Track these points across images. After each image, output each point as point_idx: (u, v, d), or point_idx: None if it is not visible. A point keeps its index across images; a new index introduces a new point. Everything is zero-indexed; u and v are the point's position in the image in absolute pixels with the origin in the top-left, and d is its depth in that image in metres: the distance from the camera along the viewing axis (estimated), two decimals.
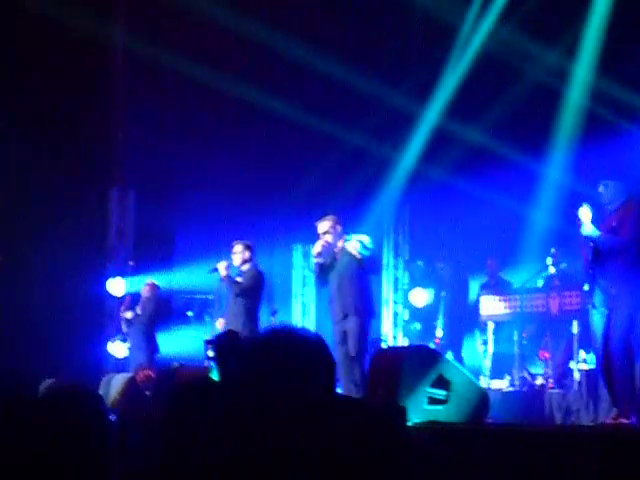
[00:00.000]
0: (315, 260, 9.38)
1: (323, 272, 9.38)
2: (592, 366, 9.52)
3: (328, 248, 9.33)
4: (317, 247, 9.32)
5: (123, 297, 12.91)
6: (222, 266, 10.30)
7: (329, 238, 9.31)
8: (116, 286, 13.19)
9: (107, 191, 13.44)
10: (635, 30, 11.14)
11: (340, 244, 9.32)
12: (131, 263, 13.13)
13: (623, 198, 7.45)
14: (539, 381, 10.24)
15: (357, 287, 9.18)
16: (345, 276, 9.20)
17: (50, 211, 12.26)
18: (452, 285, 12.43)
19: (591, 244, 7.38)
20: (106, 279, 13.15)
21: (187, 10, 11.72)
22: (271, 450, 2.15)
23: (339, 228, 9.39)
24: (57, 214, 12.33)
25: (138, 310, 12.24)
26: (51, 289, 12.27)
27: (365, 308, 9.22)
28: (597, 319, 7.30)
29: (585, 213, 7.34)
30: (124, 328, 12.47)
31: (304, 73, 12.21)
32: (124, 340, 12.54)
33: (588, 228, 7.32)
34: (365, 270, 9.27)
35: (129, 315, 12.24)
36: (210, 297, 12.71)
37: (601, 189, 7.54)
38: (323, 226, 9.39)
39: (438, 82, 12.84)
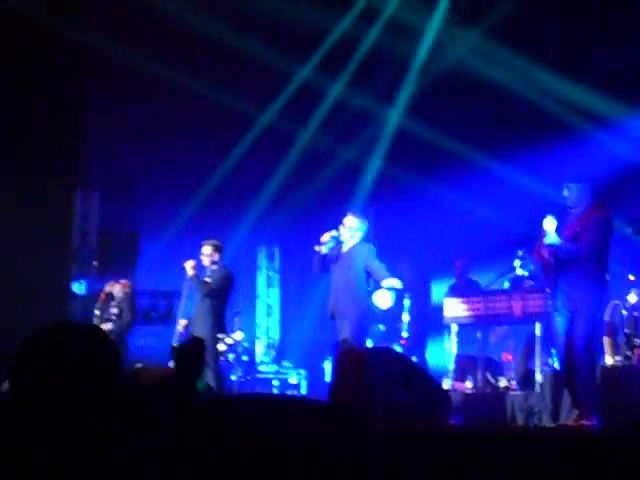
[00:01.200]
0: (318, 248, 9.37)
1: (323, 261, 9.42)
2: (554, 368, 9.60)
3: (337, 242, 9.38)
4: (326, 236, 9.35)
5: (90, 297, 12.82)
6: (189, 265, 10.26)
7: (344, 234, 9.36)
8: (80, 287, 13.13)
9: (71, 192, 13.35)
10: (596, 33, 11.24)
11: (350, 243, 9.37)
12: (95, 264, 13.06)
13: (587, 202, 7.52)
14: (502, 383, 10.30)
15: (355, 289, 9.24)
16: (350, 278, 9.24)
17: (13, 211, 12.16)
18: (414, 287, 12.47)
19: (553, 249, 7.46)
20: (70, 280, 13.08)
21: (152, 9, 11.68)
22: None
23: (359, 234, 9.45)
24: (20, 214, 12.23)
25: (114, 311, 12.13)
26: (14, 289, 12.17)
27: (364, 313, 9.30)
28: (559, 321, 7.37)
29: (549, 224, 7.41)
30: (98, 324, 12.34)
31: (272, 74, 12.20)
32: None
33: (552, 237, 7.39)
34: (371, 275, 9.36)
35: (115, 312, 12.09)
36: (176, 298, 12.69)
37: (565, 192, 7.60)
38: (350, 221, 9.45)
39: (402, 82, 12.88)
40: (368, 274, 9.36)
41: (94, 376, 2.36)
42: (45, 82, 11.92)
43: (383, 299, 9.77)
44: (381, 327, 13.56)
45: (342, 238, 9.40)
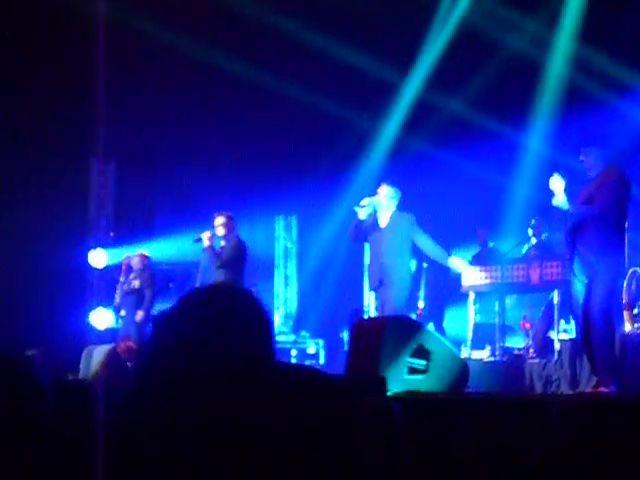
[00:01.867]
0: (357, 209, 9.43)
1: (359, 228, 9.48)
2: (572, 336, 9.57)
3: (374, 209, 9.44)
4: (365, 200, 9.42)
5: (116, 266, 12.85)
6: (206, 236, 10.27)
7: (382, 201, 9.43)
8: (97, 257, 13.15)
9: (88, 162, 13.37)
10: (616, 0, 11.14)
11: (388, 212, 9.42)
12: (112, 234, 13.09)
13: (603, 165, 7.44)
14: (518, 351, 10.30)
15: (399, 257, 9.30)
16: (396, 245, 9.30)
17: (30, 181, 12.19)
18: None
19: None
20: (87, 250, 13.11)
21: None
22: (202, 420, 2.11)
23: (394, 202, 9.50)
24: (38, 184, 12.26)
25: (135, 283, 12.16)
26: (32, 260, 12.22)
27: (410, 281, 9.37)
28: (578, 288, 7.30)
29: (556, 183, 7.31)
30: (118, 299, 12.35)
31: (287, 45, 12.13)
32: (117, 310, 12.42)
33: (560, 198, 7.30)
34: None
35: (137, 284, 12.12)
36: (191, 269, 12.72)
37: (582, 157, 7.52)
38: (385, 190, 9.50)
39: (420, 52, 12.80)
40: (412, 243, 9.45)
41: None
42: (60, 50, 11.89)
43: (460, 265, 9.89)
44: None
45: (378, 206, 9.45)
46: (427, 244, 9.49)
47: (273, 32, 11.92)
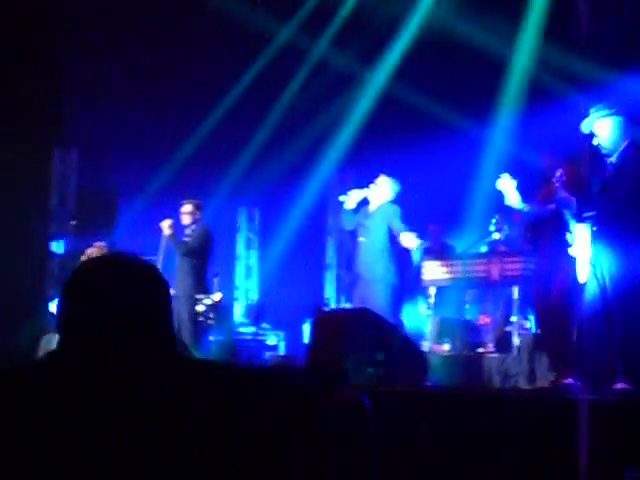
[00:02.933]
0: (343, 198, 9.47)
1: (351, 216, 9.51)
2: (534, 330, 9.66)
3: (364, 202, 9.49)
4: (359, 192, 9.45)
5: (68, 256, 12.77)
6: (166, 225, 10.21)
7: (373, 192, 9.45)
8: (58, 246, 13.06)
9: (49, 150, 13.25)
10: None
11: (377, 203, 9.42)
12: (73, 223, 12.98)
13: (623, 140, 6.90)
14: (477, 346, 10.38)
15: (387, 250, 9.31)
16: (377, 239, 9.32)
17: None
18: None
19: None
20: (48, 239, 13.01)
21: None
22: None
23: (390, 195, 9.53)
24: None
25: None
26: None
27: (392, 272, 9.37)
28: (539, 283, 7.30)
29: (504, 183, 7.26)
30: None
31: (254, 33, 12.10)
32: None
33: (511, 199, 7.27)
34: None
35: None
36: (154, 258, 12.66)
37: (545, 155, 7.46)
38: (382, 180, 9.52)
39: (385, 46, 12.81)
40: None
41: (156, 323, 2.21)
42: (22, 35, 11.76)
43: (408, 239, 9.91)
44: None
45: (370, 197, 9.51)
46: (398, 231, 9.54)
47: (241, 22, 11.88)
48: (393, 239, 9.57)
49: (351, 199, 9.51)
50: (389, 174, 9.82)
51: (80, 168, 13.42)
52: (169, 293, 2.29)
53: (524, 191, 7.21)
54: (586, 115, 6.93)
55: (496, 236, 10.88)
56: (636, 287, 6.50)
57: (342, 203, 9.59)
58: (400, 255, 10.45)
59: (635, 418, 4.89)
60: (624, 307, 6.54)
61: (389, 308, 9.18)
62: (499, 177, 7.24)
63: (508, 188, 7.18)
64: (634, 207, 6.53)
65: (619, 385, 6.49)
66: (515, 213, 7.57)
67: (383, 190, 9.66)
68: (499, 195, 7.46)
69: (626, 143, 6.75)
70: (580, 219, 6.91)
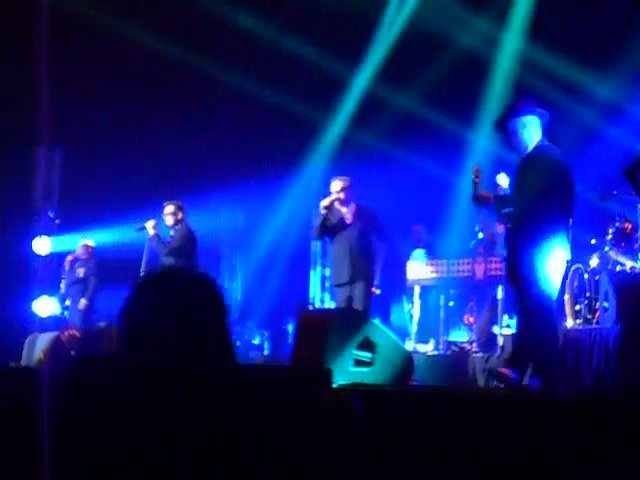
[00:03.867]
0: (322, 211, 9.43)
1: (324, 228, 9.46)
2: (515, 330, 9.69)
3: (334, 208, 9.43)
4: (326, 201, 9.40)
5: (61, 255, 12.75)
6: (150, 225, 10.22)
7: (339, 197, 9.40)
8: (41, 245, 13.01)
9: (33, 148, 13.19)
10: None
11: (348, 208, 9.39)
12: (57, 222, 12.95)
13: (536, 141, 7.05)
14: (462, 345, 10.41)
15: (368, 252, 9.28)
16: (357, 240, 9.29)
17: None
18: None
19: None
20: (32, 238, 12.97)
21: None
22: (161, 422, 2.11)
23: (350, 193, 9.49)
24: None
25: (79, 271, 12.08)
26: None
27: (373, 275, 9.34)
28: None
29: (503, 178, 7.29)
30: (63, 288, 12.29)
31: (238, 36, 12.11)
32: (63, 300, 12.35)
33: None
34: (377, 237, 9.39)
35: (81, 273, 12.04)
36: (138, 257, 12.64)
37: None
38: (337, 185, 9.47)
39: (370, 47, 12.84)
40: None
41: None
42: (5, 35, 11.72)
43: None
44: None
45: (337, 204, 9.46)
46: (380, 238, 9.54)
47: (223, 23, 11.88)
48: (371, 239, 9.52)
49: (323, 207, 9.49)
50: (338, 176, 9.77)
51: (64, 167, 13.37)
52: (224, 307, 2.33)
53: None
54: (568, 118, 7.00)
55: (480, 236, 10.91)
56: (542, 284, 6.58)
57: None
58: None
59: (601, 416, 4.92)
60: (529, 304, 6.63)
61: (367, 309, 9.17)
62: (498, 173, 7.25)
63: (504, 183, 7.20)
64: (542, 205, 6.59)
65: (530, 381, 6.56)
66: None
67: (343, 191, 9.58)
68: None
69: (536, 142, 6.83)
70: (497, 218, 6.97)
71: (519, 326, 6.97)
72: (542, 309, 6.60)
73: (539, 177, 6.65)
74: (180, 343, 2.17)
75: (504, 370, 6.85)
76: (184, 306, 2.22)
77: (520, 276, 6.68)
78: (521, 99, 7.21)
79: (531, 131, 6.85)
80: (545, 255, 6.57)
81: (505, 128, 6.89)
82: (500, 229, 9.53)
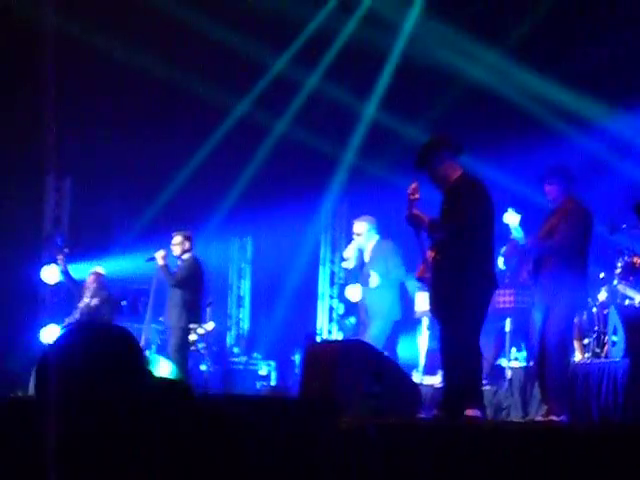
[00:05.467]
0: (344, 265, 9.63)
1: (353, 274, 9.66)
2: (523, 364, 9.66)
3: (359, 252, 9.56)
4: (349, 251, 9.54)
5: (60, 284, 12.76)
6: (159, 255, 10.26)
7: (361, 241, 9.52)
8: (50, 273, 13.02)
9: (43, 178, 13.27)
10: (574, 31, 11.28)
11: (370, 245, 9.49)
12: (66, 250, 12.96)
13: (564, 196, 7.43)
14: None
15: (385, 287, 9.39)
16: (375, 274, 9.40)
17: None
18: None
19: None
20: (40, 266, 12.99)
21: None
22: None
23: (373, 233, 9.60)
24: None
25: (93, 301, 12.07)
26: None
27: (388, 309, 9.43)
28: (536, 317, 7.31)
29: (511, 217, 7.31)
30: (77, 317, 12.22)
31: (248, 65, 12.16)
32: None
33: (517, 232, 7.32)
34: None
35: (95, 302, 12.04)
36: (145, 287, 12.64)
37: (546, 188, 7.51)
38: (358, 227, 9.62)
39: (378, 78, 12.88)
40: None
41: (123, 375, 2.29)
42: (14, 67, 11.81)
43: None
44: (352, 320, 13.61)
45: (362, 246, 9.59)
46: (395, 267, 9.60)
47: (235, 54, 11.92)
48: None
49: (348, 260, 9.66)
50: (360, 216, 9.90)
51: (74, 196, 13.44)
52: (139, 357, 2.37)
53: (526, 226, 7.27)
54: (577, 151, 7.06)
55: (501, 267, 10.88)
56: (457, 311, 6.64)
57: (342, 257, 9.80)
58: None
59: (609, 450, 4.91)
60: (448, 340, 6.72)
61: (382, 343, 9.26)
62: (505, 211, 7.26)
63: (513, 222, 7.22)
64: (460, 238, 6.62)
65: (469, 412, 6.56)
66: (512, 246, 7.60)
67: (366, 233, 9.71)
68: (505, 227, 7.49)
69: (458, 174, 6.85)
70: (430, 246, 7.02)
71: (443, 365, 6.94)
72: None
73: (462, 204, 6.65)
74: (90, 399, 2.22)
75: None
76: (101, 359, 2.29)
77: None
78: (439, 135, 7.27)
79: (452, 164, 6.86)
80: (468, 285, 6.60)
81: (427, 164, 6.91)
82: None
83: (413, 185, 7.02)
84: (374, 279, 9.58)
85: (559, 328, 7.10)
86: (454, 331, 6.66)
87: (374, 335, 9.29)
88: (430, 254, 6.97)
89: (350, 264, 9.70)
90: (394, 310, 9.67)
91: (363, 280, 9.72)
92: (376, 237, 9.75)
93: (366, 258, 9.66)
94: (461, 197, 6.66)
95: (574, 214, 7.26)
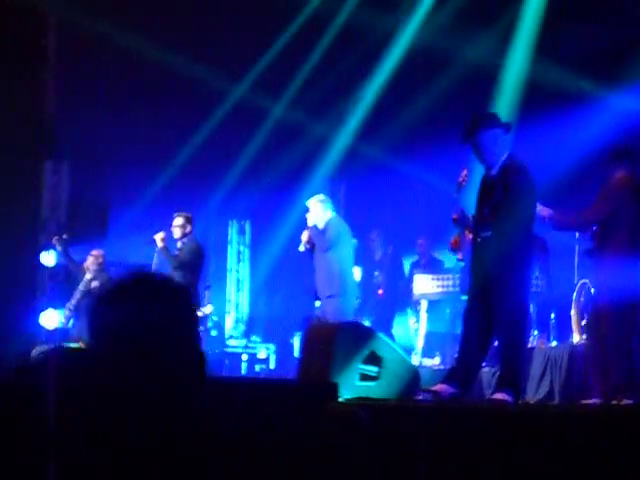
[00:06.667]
0: (302, 249, 9.56)
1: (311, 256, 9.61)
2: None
3: (313, 230, 9.51)
4: (304, 235, 9.51)
5: (58, 268, 12.75)
6: (159, 237, 10.24)
7: (315, 219, 9.48)
8: (48, 257, 13.02)
9: (40, 162, 13.23)
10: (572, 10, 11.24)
11: (322, 222, 9.46)
12: (65, 236, 12.94)
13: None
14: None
15: (327, 267, 9.35)
16: (319, 256, 9.38)
17: None
18: (386, 263, 12.51)
19: None
20: (39, 251, 12.97)
21: None
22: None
23: (328, 210, 9.53)
24: None
25: (94, 284, 12.06)
26: None
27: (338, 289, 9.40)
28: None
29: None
30: (78, 298, 12.18)
31: (245, 46, 12.14)
32: (76, 313, 12.28)
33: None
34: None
35: (95, 284, 12.04)
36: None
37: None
38: (311, 205, 9.59)
39: (377, 60, 12.85)
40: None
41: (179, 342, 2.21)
42: (12, 51, 11.76)
43: (355, 274, 9.91)
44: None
45: (317, 224, 9.53)
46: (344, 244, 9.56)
47: (233, 35, 11.91)
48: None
49: (303, 243, 9.58)
50: (310, 196, 9.87)
51: (72, 180, 13.40)
52: (195, 314, 2.30)
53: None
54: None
55: None
56: (516, 299, 6.61)
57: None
58: (392, 269, 10.49)
59: (607, 431, 4.91)
60: (502, 323, 6.64)
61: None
62: None
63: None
64: (511, 218, 6.58)
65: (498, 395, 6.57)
66: None
67: (318, 211, 9.65)
68: None
69: (505, 156, 6.75)
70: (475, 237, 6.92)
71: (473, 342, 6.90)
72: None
73: (512, 196, 6.61)
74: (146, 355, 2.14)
75: (439, 387, 6.82)
76: (154, 311, 2.19)
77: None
78: (490, 112, 7.17)
79: (501, 145, 6.78)
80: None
81: (475, 140, 6.79)
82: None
83: (464, 172, 6.98)
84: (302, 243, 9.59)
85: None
86: (504, 312, 6.60)
87: (329, 310, 9.28)
88: (468, 233, 6.93)
89: (301, 247, 9.65)
90: (340, 287, 9.52)
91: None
92: (329, 213, 9.67)
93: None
94: (510, 188, 6.59)
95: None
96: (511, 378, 6.63)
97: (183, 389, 2.12)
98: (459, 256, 7.21)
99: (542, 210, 6.96)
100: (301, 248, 9.62)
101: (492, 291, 6.63)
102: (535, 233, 7.29)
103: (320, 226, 9.57)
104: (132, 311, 2.16)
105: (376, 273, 12.39)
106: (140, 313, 2.16)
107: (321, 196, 9.79)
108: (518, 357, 6.70)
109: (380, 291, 12.11)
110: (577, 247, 8.80)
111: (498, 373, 7.13)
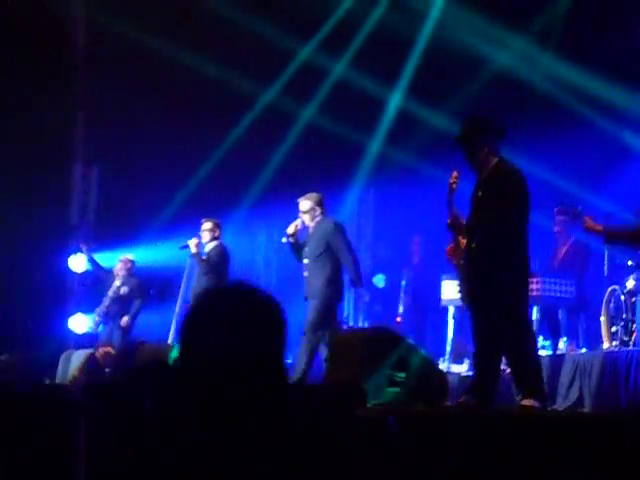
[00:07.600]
0: (284, 240, 9.48)
1: (296, 250, 9.47)
2: (550, 352, 9.61)
3: (302, 229, 9.44)
4: (291, 228, 9.40)
5: (88, 273, 12.82)
6: (193, 243, 10.46)
7: (306, 219, 9.39)
8: (77, 262, 13.09)
9: (71, 167, 13.33)
10: (599, 18, 11.19)
11: (313, 223, 9.39)
12: (91, 243, 13.00)
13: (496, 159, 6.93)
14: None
15: (323, 270, 9.27)
16: (312, 258, 9.30)
17: (12, 185, 12.14)
18: (417, 269, 12.49)
19: None
20: (68, 255, 13.06)
21: None
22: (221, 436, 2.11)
23: (319, 210, 9.45)
24: (19, 190, 12.21)
25: (123, 289, 12.10)
26: (12, 264, 12.17)
27: (329, 292, 9.31)
28: None
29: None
30: (107, 304, 12.19)
31: (274, 52, 12.16)
32: (105, 316, 12.29)
33: None
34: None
35: (124, 290, 12.09)
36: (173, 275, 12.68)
37: None
38: (303, 205, 9.46)
39: (405, 65, 12.83)
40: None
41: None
42: (43, 57, 11.86)
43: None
44: (378, 308, 13.60)
45: (306, 223, 9.44)
46: (341, 251, 9.40)
47: (262, 40, 11.93)
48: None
49: (287, 236, 9.49)
50: (305, 194, 9.73)
51: (101, 185, 13.50)
52: (284, 327, 2.32)
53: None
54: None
55: None
56: (500, 306, 6.58)
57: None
58: (422, 275, 10.40)
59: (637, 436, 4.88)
60: (488, 325, 6.70)
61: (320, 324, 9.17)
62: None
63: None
64: (500, 223, 6.54)
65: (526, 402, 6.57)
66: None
67: (309, 211, 9.53)
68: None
69: (496, 160, 6.72)
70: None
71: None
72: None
73: (500, 203, 6.58)
74: (237, 361, 2.16)
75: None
76: (245, 324, 2.21)
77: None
78: (483, 117, 7.12)
79: (494, 149, 6.76)
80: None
81: (467, 143, 6.76)
82: None
83: (454, 174, 6.94)
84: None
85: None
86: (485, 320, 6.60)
87: (310, 317, 9.22)
88: (462, 241, 6.92)
89: (284, 239, 9.59)
90: (327, 291, 9.42)
91: (304, 256, 9.57)
92: (320, 215, 9.56)
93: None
94: (499, 195, 6.57)
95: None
96: (534, 385, 6.61)
97: (271, 402, 2.15)
98: (455, 263, 7.19)
99: (594, 226, 6.93)
100: (284, 240, 9.58)
101: (480, 296, 6.67)
102: (577, 238, 7.29)
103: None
104: (228, 328, 2.19)
105: (403, 282, 12.38)
106: (237, 330, 2.19)
107: (314, 195, 9.69)
108: (491, 365, 6.76)
109: (398, 319, 12.13)
110: (606, 253, 8.74)
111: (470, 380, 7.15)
